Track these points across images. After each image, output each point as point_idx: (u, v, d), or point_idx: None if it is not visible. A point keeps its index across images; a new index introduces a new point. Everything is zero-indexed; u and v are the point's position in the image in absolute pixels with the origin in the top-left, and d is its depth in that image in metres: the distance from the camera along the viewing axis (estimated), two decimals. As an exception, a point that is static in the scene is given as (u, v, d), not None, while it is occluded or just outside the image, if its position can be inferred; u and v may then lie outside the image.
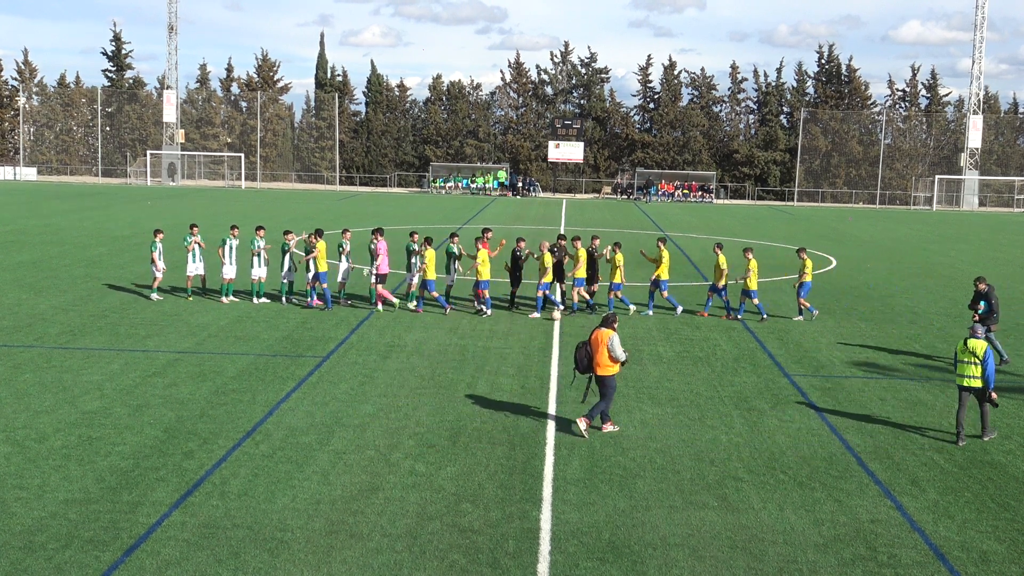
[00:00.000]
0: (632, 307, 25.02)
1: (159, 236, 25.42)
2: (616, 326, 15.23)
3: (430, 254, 24.13)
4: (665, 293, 25.09)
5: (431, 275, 24.12)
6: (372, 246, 24.63)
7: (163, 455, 13.30)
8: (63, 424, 14.53)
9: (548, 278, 24.38)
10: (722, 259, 24.73)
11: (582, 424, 14.72)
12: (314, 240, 24.34)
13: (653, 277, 25.26)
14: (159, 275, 25.30)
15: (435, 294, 24.28)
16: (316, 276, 24.29)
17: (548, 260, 24.33)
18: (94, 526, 10.93)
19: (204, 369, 18.10)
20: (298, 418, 15.17)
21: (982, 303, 20.18)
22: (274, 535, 10.86)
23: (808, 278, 24.72)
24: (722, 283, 24.78)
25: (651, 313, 24.82)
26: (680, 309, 25.10)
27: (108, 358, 18.77)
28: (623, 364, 15.17)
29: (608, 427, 15.02)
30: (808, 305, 24.92)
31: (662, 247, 25.16)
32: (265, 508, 11.59)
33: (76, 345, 19.85)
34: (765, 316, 24.60)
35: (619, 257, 24.58)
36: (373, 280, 24.51)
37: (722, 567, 10.45)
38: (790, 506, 12.19)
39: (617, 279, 24.60)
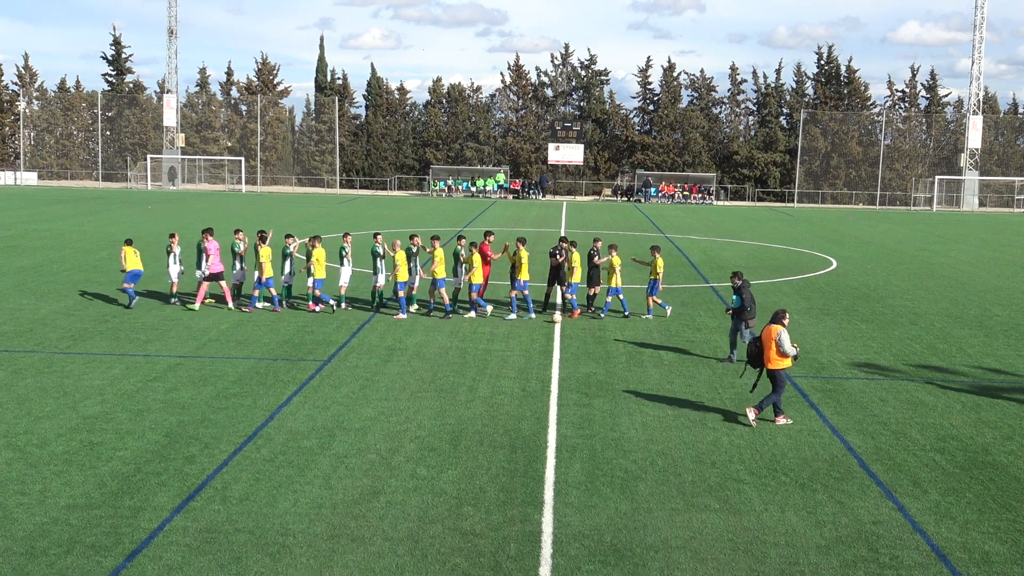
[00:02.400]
0: (628, 312, 24.96)
1: (174, 240, 25.32)
2: (786, 322, 15.66)
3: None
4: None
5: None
6: (203, 245, 24.74)
7: (164, 460, 13.31)
8: (64, 429, 14.53)
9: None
10: (659, 261, 24.58)
11: (751, 414, 15.48)
12: (315, 244, 24.40)
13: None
14: (175, 279, 25.24)
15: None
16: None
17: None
18: (96, 531, 10.94)
19: (205, 373, 18.10)
20: (299, 422, 15.17)
21: (734, 298, 20.06)
22: (276, 539, 10.87)
23: (657, 276, 24.57)
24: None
25: (650, 317, 24.78)
26: (651, 315, 24.94)
27: (109, 363, 18.78)
28: (795, 359, 15.71)
29: (781, 420, 15.60)
30: (660, 302, 24.80)
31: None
32: (267, 512, 11.60)
33: (77, 350, 19.86)
34: (627, 313, 24.70)
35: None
36: (200, 278, 24.62)
37: (724, 569, 10.45)
38: (791, 508, 12.19)
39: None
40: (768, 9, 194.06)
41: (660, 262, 24.65)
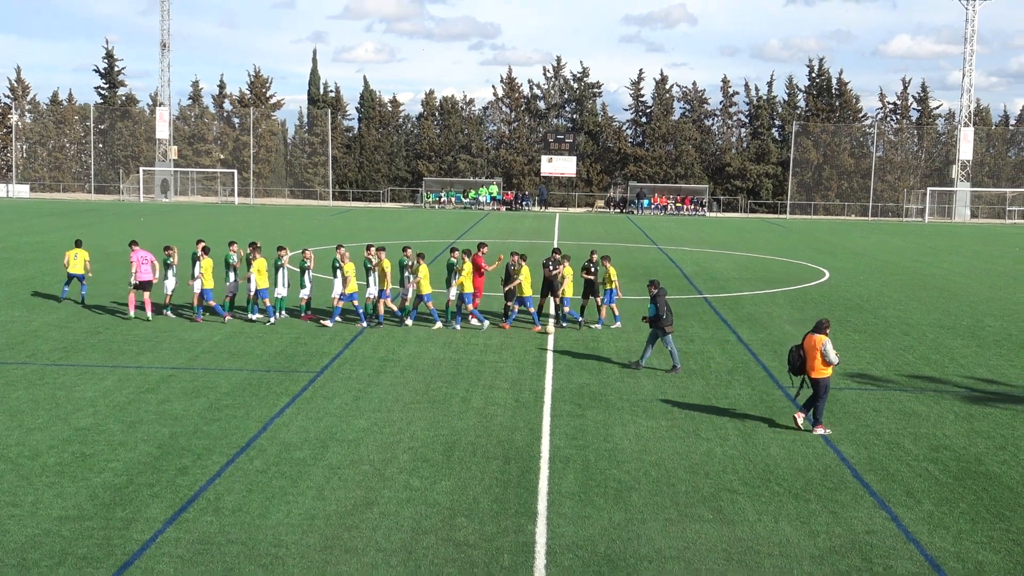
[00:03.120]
0: (580, 320, 24.93)
1: (169, 252, 25.32)
2: (828, 331, 15.95)
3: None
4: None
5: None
6: (130, 258, 24.86)
7: (157, 471, 13.26)
8: (56, 441, 14.48)
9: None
10: (612, 271, 24.54)
11: (799, 418, 15.91)
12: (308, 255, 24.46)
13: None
14: (169, 292, 25.22)
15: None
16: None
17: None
18: (88, 543, 10.89)
19: (198, 385, 18.06)
20: (292, 433, 15.14)
21: (649, 307, 20.11)
22: (269, 551, 10.83)
23: (613, 286, 24.55)
24: (609, 287, 24.54)
25: (598, 327, 24.72)
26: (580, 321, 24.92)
27: (101, 374, 18.73)
28: (835, 366, 16.12)
29: (819, 430, 15.82)
30: (616, 313, 24.76)
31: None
32: (259, 524, 11.56)
33: (69, 362, 19.80)
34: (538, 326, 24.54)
35: (612, 270, 24.55)
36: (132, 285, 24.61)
37: (718, 579, 10.43)
38: (785, 518, 12.19)
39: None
40: (760, 22, 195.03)
41: (613, 271, 24.55)
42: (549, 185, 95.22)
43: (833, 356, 15.78)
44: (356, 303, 24.39)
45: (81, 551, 10.68)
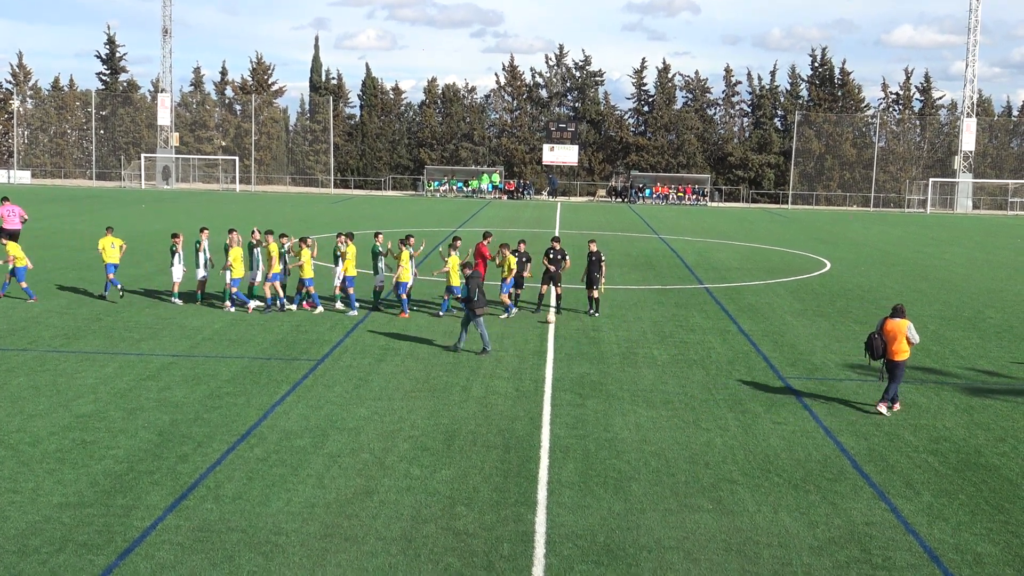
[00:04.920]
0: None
1: (177, 239, 25.35)
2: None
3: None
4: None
5: (405, 277, 24.03)
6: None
7: (157, 459, 13.28)
8: (57, 427, 14.50)
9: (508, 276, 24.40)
10: (511, 259, 24.39)
11: (883, 408, 16.47)
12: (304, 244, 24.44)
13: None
14: (177, 279, 25.22)
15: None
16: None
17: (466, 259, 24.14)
18: (88, 530, 10.91)
19: (198, 372, 18.07)
20: (292, 421, 15.15)
21: (462, 288, 20.35)
22: (269, 538, 10.85)
23: (508, 276, 24.40)
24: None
25: (511, 314, 24.53)
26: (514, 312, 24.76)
27: (102, 361, 18.75)
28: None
29: (883, 407, 16.48)
30: (508, 303, 24.52)
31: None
32: (260, 511, 11.58)
33: (70, 348, 19.81)
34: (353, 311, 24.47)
35: (512, 259, 24.39)
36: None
37: (717, 570, 10.46)
38: (784, 509, 12.20)
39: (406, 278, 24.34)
40: (762, 11, 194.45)
41: (512, 260, 24.43)
42: (552, 172, 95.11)
43: (917, 337, 16.69)
44: (352, 291, 24.40)
45: (81, 538, 10.71)
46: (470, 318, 20.14)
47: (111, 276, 25.34)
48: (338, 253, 24.51)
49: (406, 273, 24.00)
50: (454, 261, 24.01)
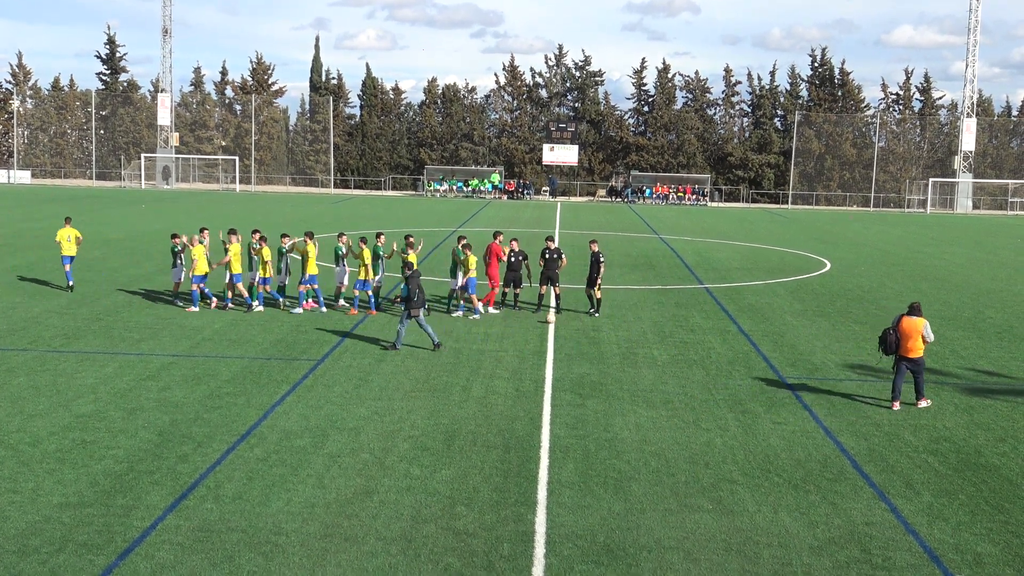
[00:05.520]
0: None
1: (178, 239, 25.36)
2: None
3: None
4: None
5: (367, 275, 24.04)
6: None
7: (157, 459, 13.28)
8: (57, 428, 14.50)
9: (473, 275, 24.32)
10: (471, 258, 24.26)
11: (923, 403, 17.00)
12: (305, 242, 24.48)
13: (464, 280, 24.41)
14: (178, 280, 25.21)
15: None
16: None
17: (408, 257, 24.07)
18: (88, 530, 10.91)
19: (198, 372, 18.07)
20: (292, 421, 15.15)
21: (402, 287, 20.39)
22: (269, 538, 10.85)
23: (472, 274, 24.30)
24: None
25: (460, 313, 24.49)
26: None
27: (102, 361, 18.74)
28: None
29: (923, 403, 17.02)
30: (473, 304, 24.39)
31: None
32: (260, 511, 11.58)
33: (70, 348, 19.81)
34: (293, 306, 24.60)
35: (472, 258, 24.29)
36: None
37: (717, 570, 10.46)
38: (784, 509, 12.20)
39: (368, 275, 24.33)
40: (762, 11, 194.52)
41: (472, 259, 24.32)
42: (552, 172, 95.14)
43: (932, 335, 17.02)
44: (355, 291, 24.46)
45: (81, 538, 10.71)
46: (407, 317, 20.22)
47: (67, 268, 26.33)
48: (292, 251, 24.42)
49: (367, 272, 24.11)
50: (413, 258, 23.99)
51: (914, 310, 17.00)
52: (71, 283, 26.51)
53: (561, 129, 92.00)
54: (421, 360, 19.54)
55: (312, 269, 24.33)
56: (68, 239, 26.92)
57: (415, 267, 20.81)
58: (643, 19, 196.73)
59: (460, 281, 24.32)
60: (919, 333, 16.76)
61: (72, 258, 26.83)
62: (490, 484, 12.71)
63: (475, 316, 24.13)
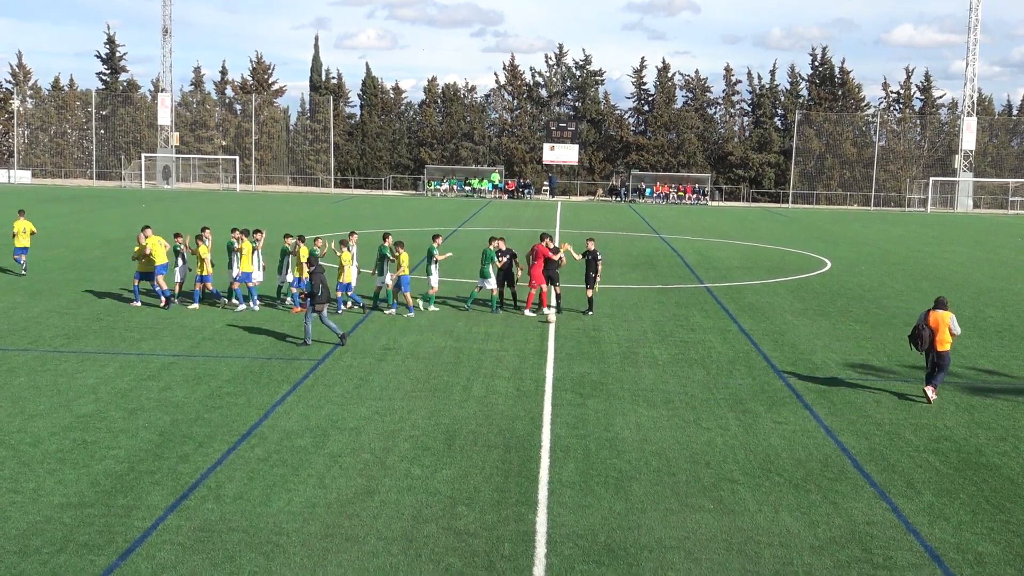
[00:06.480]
0: (361, 303, 24.80)
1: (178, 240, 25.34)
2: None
3: (405, 257, 24.06)
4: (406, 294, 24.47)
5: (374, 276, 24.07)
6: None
7: (158, 459, 13.28)
8: (58, 428, 14.50)
9: (404, 272, 24.26)
10: (404, 256, 24.17)
11: (930, 392, 17.17)
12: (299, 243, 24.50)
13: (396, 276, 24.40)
14: (180, 279, 25.19)
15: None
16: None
17: (404, 258, 24.17)
18: (89, 530, 10.91)
19: (199, 372, 18.07)
20: (293, 421, 15.15)
21: (304, 283, 20.62)
22: (270, 538, 10.85)
23: (405, 272, 24.33)
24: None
25: (394, 311, 24.43)
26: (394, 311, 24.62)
27: (103, 361, 18.75)
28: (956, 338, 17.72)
29: (933, 394, 17.24)
30: (411, 303, 24.34)
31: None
32: (260, 511, 11.58)
33: (71, 348, 19.81)
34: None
35: (405, 256, 24.26)
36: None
37: (718, 570, 10.46)
38: (785, 508, 12.20)
39: (347, 278, 24.37)
40: (762, 10, 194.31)
41: (405, 256, 24.26)
42: (552, 171, 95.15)
43: (959, 329, 17.47)
44: (351, 292, 24.48)
45: (82, 538, 10.71)
46: (311, 311, 20.35)
47: (20, 258, 27.49)
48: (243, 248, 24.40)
49: (348, 273, 24.22)
50: (346, 257, 24.12)
51: (940, 304, 17.41)
52: (24, 271, 27.92)
53: (561, 128, 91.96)
54: (422, 360, 19.55)
55: (346, 276, 24.29)
56: (24, 231, 27.70)
57: (318, 263, 20.88)
58: (643, 18, 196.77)
59: (388, 279, 24.33)
60: (946, 326, 17.17)
61: (26, 249, 27.84)
62: (491, 484, 12.71)
63: (409, 314, 24.05)
